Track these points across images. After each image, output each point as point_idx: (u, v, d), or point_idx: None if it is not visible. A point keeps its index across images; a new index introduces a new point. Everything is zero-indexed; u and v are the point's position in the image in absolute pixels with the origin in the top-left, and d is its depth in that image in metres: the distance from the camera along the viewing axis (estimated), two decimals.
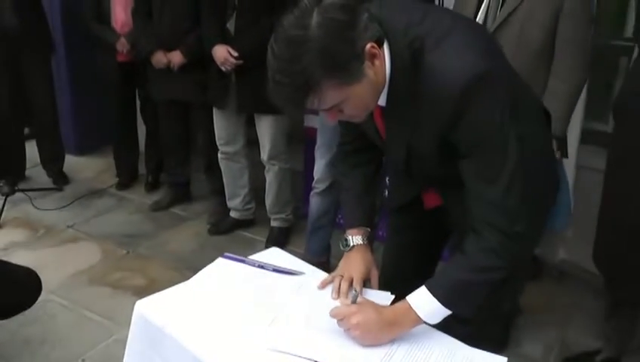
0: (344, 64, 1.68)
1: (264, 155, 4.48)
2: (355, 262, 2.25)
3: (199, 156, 5.10)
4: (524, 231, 1.88)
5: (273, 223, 4.67)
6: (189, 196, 5.40)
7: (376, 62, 1.76)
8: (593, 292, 3.84)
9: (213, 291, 2.15)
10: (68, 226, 4.96)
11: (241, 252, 2.41)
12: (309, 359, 1.83)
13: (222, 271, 2.27)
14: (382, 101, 1.89)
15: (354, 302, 2.03)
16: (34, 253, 4.51)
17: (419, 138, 1.93)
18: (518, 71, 2.98)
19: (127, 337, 2.14)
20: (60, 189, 5.55)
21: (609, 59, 4.41)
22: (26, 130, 5.99)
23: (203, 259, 2.46)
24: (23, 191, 5.27)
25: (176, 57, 4.58)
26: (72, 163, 5.93)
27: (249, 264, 2.31)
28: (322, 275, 2.26)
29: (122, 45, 4.96)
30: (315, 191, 4.13)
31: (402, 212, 2.49)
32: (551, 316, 3.91)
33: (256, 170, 4.72)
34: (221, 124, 4.53)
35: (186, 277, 2.26)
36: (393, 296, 2.15)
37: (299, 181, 4.90)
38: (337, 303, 2.09)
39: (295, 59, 1.65)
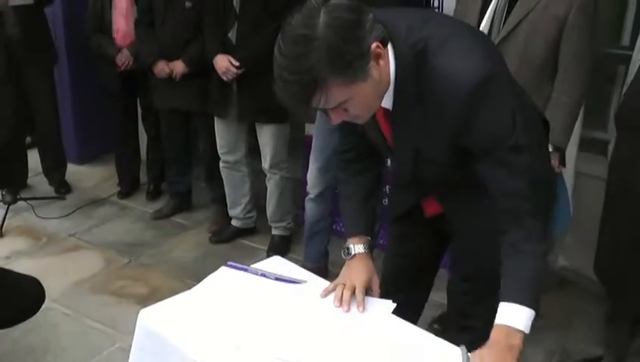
0: (350, 62, 1.71)
1: (265, 164, 4.49)
2: (356, 270, 2.26)
3: (201, 165, 5.12)
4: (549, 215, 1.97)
5: (274, 232, 4.68)
6: (191, 205, 5.41)
7: (381, 62, 1.80)
8: (594, 299, 3.86)
9: (216, 300, 2.16)
10: (70, 235, 4.97)
11: (243, 260, 2.43)
12: None
13: (225, 280, 2.28)
14: (387, 103, 1.92)
15: None
16: (36, 262, 4.52)
17: (427, 140, 1.96)
18: (522, 84, 3.02)
19: (129, 346, 2.15)
20: (62, 198, 5.56)
21: (607, 68, 4.43)
22: (28, 139, 6.03)
23: (205, 268, 2.48)
24: (25, 199, 5.28)
25: (179, 67, 4.61)
26: (74, 172, 5.94)
27: (251, 273, 2.32)
28: (324, 283, 2.27)
29: (123, 58, 4.99)
30: (309, 196, 4.17)
31: (402, 221, 2.51)
32: (551, 322, 3.90)
33: (258, 178, 4.73)
34: (222, 133, 4.55)
35: (188, 286, 2.28)
36: (395, 304, 2.16)
37: (300, 190, 4.90)
38: (340, 311, 2.11)
39: (302, 57, 1.68)
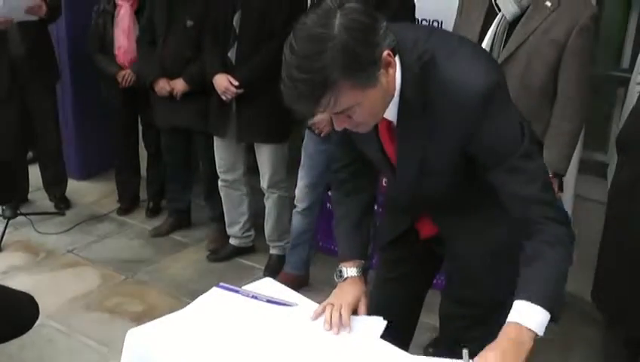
0: (363, 67, 1.71)
1: (264, 183, 4.49)
2: (345, 292, 2.25)
3: (200, 183, 5.12)
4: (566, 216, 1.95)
5: (272, 251, 4.67)
6: (190, 222, 5.40)
7: (390, 71, 1.81)
8: (593, 323, 3.83)
9: (206, 321, 2.15)
10: (68, 251, 4.96)
11: (240, 279, 2.43)
12: None
13: (216, 301, 2.27)
14: (391, 115, 1.93)
15: None
16: (33, 277, 4.51)
17: (433, 151, 1.95)
18: (522, 108, 3.02)
19: None
20: (61, 214, 5.56)
21: (607, 90, 4.43)
22: (30, 154, 6.04)
23: (201, 286, 2.47)
24: (25, 214, 5.28)
25: (179, 85, 4.61)
26: (75, 187, 5.94)
27: (243, 294, 2.31)
28: (314, 306, 2.26)
29: (123, 76, 5.00)
30: (296, 210, 4.28)
31: (393, 246, 2.48)
32: (551, 346, 3.88)
33: (256, 197, 4.73)
34: (221, 152, 4.55)
35: (184, 304, 2.27)
36: (385, 322, 2.14)
37: None
38: (330, 334, 2.09)
39: (316, 56, 1.66)
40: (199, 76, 4.48)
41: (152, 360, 2.00)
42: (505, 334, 1.83)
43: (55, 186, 5.69)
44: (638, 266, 2.85)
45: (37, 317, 3.08)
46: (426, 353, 3.38)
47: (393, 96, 1.87)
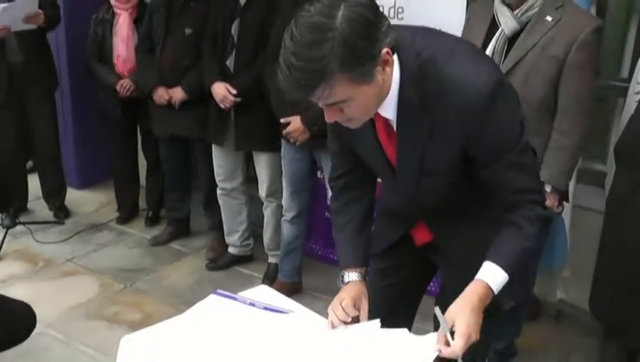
0: (361, 62, 1.72)
1: (262, 192, 4.50)
2: (347, 291, 2.23)
3: (199, 192, 5.12)
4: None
5: (271, 259, 4.67)
6: (189, 231, 5.40)
7: (387, 69, 1.81)
8: (591, 333, 3.82)
9: (202, 328, 2.14)
10: (67, 260, 4.96)
11: (238, 288, 2.41)
12: None
13: (213, 308, 2.26)
14: (389, 114, 1.93)
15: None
16: (32, 286, 4.51)
17: (433, 149, 1.95)
18: None
19: None
20: (60, 223, 5.56)
21: (606, 100, 4.43)
22: (29, 163, 6.04)
23: (200, 295, 2.46)
24: (24, 223, 5.29)
25: (178, 93, 4.61)
26: (74, 196, 5.94)
27: (240, 301, 2.30)
28: (311, 314, 2.25)
29: (122, 86, 5.00)
30: (285, 218, 4.32)
31: (384, 255, 2.48)
32: (549, 356, 3.89)
33: (255, 206, 4.73)
34: (220, 161, 4.56)
35: (182, 313, 2.26)
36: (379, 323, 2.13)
37: None
38: (327, 341, 2.08)
39: (316, 45, 1.67)
40: (198, 85, 4.49)
41: None
42: (475, 290, 1.96)
43: (54, 195, 5.68)
44: (635, 276, 2.84)
45: (34, 326, 3.08)
46: None
47: (387, 94, 1.88)
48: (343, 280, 2.30)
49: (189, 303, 2.50)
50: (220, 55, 4.28)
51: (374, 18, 1.74)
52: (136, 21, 4.99)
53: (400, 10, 3.93)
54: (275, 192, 4.44)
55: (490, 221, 2.06)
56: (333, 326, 2.13)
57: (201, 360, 1.97)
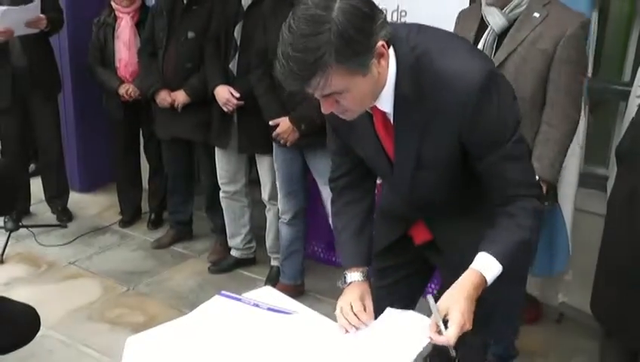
0: (356, 53, 1.75)
1: (265, 195, 4.51)
2: (351, 292, 2.25)
3: (202, 195, 5.13)
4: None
5: (273, 262, 4.68)
6: (192, 234, 5.42)
7: (383, 62, 1.84)
8: (593, 336, 3.82)
9: (207, 329, 2.15)
10: (70, 262, 4.97)
11: (241, 291, 2.41)
12: None
13: (217, 309, 2.27)
14: (387, 107, 1.96)
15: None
16: (35, 289, 4.52)
17: (429, 142, 1.98)
18: None
19: None
20: (63, 226, 5.58)
21: (608, 104, 4.45)
22: (32, 166, 6.05)
23: (203, 298, 2.47)
24: (27, 227, 5.30)
25: (181, 97, 4.62)
26: (76, 200, 5.96)
27: (245, 302, 2.31)
28: (314, 315, 2.26)
29: (126, 91, 5.02)
30: (282, 221, 4.33)
31: (383, 255, 2.50)
32: (550, 359, 3.90)
33: (257, 209, 4.74)
34: (223, 164, 4.58)
35: (185, 315, 2.27)
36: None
37: None
38: (330, 342, 2.09)
39: (311, 37, 1.70)
40: (200, 88, 4.50)
41: None
42: (469, 279, 1.97)
43: (57, 198, 5.70)
44: (636, 276, 2.84)
45: (38, 329, 3.09)
46: None
47: (383, 87, 1.91)
48: (345, 281, 2.32)
49: (192, 306, 2.52)
50: (223, 58, 4.30)
51: (370, 11, 1.78)
52: (138, 24, 5.01)
53: (403, 13, 3.95)
54: (277, 195, 4.44)
55: (489, 220, 2.07)
56: (347, 332, 2.13)
57: (205, 361, 1.98)
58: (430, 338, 1.90)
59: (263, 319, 2.22)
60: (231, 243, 4.87)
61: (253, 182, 4.74)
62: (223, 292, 2.36)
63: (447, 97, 1.86)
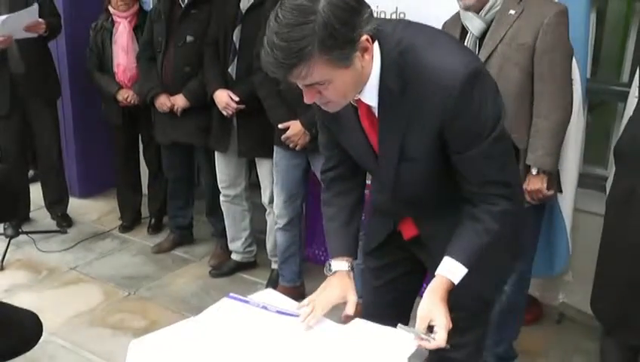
0: (340, 45, 1.79)
1: (265, 198, 4.51)
2: (332, 286, 2.31)
3: (202, 199, 5.13)
4: (517, 193, 2.17)
5: (274, 266, 4.68)
6: (192, 238, 5.42)
7: (366, 56, 1.88)
8: (594, 335, 3.83)
9: (212, 331, 2.15)
10: (71, 268, 4.97)
11: (242, 294, 2.42)
12: None
13: (225, 312, 2.27)
14: (371, 101, 1.99)
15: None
16: (36, 295, 4.53)
17: (412, 135, 2.00)
18: None
19: None
20: (63, 231, 5.58)
21: (606, 104, 4.46)
22: (31, 173, 6.05)
23: (204, 301, 2.49)
24: (27, 233, 5.30)
25: (180, 101, 4.62)
26: (76, 205, 5.96)
27: (253, 305, 2.31)
28: (321, 317, 2.26)
29: (124, 97, 5.03)
30: (278, 226, 4.33)
31: (378, 253, 2.53)
32: (551, 359, 3.90)
33: (258, 213, 4.74)
34: (223, 168, 4.58)
35: (186, 319, 2.27)
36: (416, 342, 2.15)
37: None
38: (335, 344, 2.10)
39: (297, 27, 1.74)
40: (199, 92, 4.50)
41: None
42: (440, 284, 2.09)
43: (57, 204, 5.70)
44: (635, 273, 2.86)
45: (40, 334, 3.09)
46: None
47: (367, 81, 1.94)
48: (330, 269, 2.36)
49: (193, 310, 2.53)
50: (222, 62, 4.31)
51: (356, 5, 1.81)
52: (136, 29, 5.02)
53: (402, 15, 3.96)
54: None
55: None
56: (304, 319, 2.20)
57: None
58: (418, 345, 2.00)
59: (271, 321, 2.22)
60: (231, 246, 4.88)
61: (253, 186, 4.74)
62: (232, 294, 2.37)
63: (431, 91, 1.89)
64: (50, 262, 5.06)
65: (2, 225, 5.17)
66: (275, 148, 4.14)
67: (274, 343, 2.10)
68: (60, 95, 5.52)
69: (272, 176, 4.38)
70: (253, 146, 4.34)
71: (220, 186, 4.65)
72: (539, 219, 3.43)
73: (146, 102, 4.82)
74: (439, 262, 2.13)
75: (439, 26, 3.42)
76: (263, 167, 4.43)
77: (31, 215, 5.77)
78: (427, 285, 2.39)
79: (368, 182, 2.60)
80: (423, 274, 2.59)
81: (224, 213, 4.77)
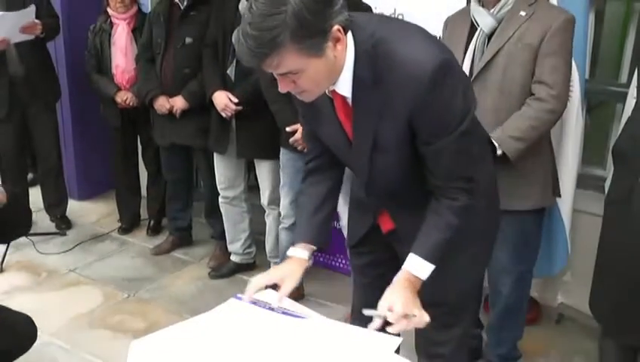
0: (311, 35, 1.84)
1: (264, 200, 4.51)
2: (275, 269, 2.40)
3: (201, 200, 5.14)
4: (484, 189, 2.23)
5: (273, 267, 4.67)
6: (191, 240, 5.42)
7: (339, 46, 1.92)
8: (593, 336, 3.83)
9: (213, 331, 2.15)
10: (70, 270, 4.97)
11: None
12: None
13: (230, 312, 2.26)
14: (346, 91, 2.03)
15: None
16: (35, 297, 4.53)
17: (384, 125, 2.04)
18: (503, 114, 3.06)
19: None
20: (62, 234, 5.58)
21: (605, 105, 4.47)
22: (30, 175, 6.05)
23: (203, 303, 2.49)
24: (26, 235, 5.28)
25: (179, 102, 4.62)
26: (75, 208, 5.96)
27: (259, 306, 2.31)
28: (325, 319, 2.26)
29: (123, 99, 5.03)
30: (283, 226, 4.33)
31: (362, 248, 2.57)
32: (550, 360, 3.91)
33: (257, 214, 4.75)
34: (222, 169, 4.58)
35: (186, 320, 2.27)
36: (401, 339, 2.16)
37: None
38: (340, 345, 2.10)
39: (269, 16, 1.79)
40: (199, 93, 4.50)
41: None
42: (403, 277, 2.16)
43: (56, 206, 5.70)
44: (634, 273, 2.86)
45: (35, 338, 3.09)
46: None
47: (340, 71, 1.99)
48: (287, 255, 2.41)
49: (192, 311, 2.52)
50: (221, 64, 4.30)
51: None
52: (134, 31, 5.02)
53: (400, 16, 3.97)
54: (276, 200, 4.44)
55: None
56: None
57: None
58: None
59: (276, 322, 2.21)
60: (231, 248, 4.88)
61: (252, 188, 4.75)
62: (238, 295, 2.36)
63: (401, 82, 1.93)
64: (50, 264, 5.06)
65: None
66: (282, 150, 4.14)
67: (276, 344, 2.09)
68: (60, 97, 5.52)
69: (271, 177, 4.39)
70: (251, 148, 4.35)
71: (218, 188, 4.65)
72: (540, 221, 3.42)
73: (145, 104, 4.82)
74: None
75: (439, 26, 3.43)
76: (262, 169, 4.43)
77: None
78: None
79: None
80: None
81: (223, 215, 4.77)
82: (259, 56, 1.84)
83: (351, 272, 2.91)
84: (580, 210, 3.94)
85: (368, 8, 3.82)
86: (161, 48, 4.64)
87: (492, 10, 3.13)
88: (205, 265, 5.03)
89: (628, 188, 2.87)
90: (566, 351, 3.98)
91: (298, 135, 3.89)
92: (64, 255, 5.22)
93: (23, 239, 5.19)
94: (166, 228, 5.53)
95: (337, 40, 1.90)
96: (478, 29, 3.17)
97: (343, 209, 3.18)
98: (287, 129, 3.94)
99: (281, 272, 2.33)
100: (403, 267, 2.17)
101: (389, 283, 2.32)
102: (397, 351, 2.12)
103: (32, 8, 4.89)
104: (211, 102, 4.31)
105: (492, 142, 2.75)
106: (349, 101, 2.07)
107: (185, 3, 4.56)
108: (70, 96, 5.86)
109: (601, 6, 4.11)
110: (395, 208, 2.36)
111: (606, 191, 3.22)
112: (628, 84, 3.62)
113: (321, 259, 4.85)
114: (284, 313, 2.26)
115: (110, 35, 5.05)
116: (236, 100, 4.20)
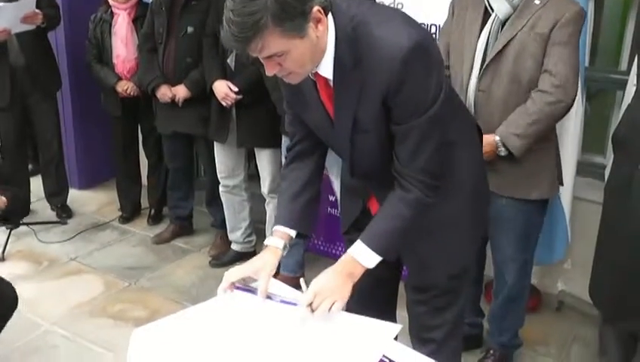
0: (291, 17, 1.87)
1: (264, 189, 4.52)
2: (252, 261, 2.36)
3: (201, 189, 5.14)
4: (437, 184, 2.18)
5: None
6: (191, 229, 5.43)
7: (320, 27, 1.96)
8: (592, 323, 3.85)
9: (214, 320, 2.16)
10: (71, 259, 4.99)
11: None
12: None
13: (229, 301, 2.26)
14: (328, 73, 2.06)
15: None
16: (36, 286, 4.54)
17: (363, 105, 2.07)
18: (511, 104, 3.05)
19: None
20: (63, 223, 5.59)
21: (605, 93, 4.47)
22: (30, 167, 6.05)
23: (204, 291, 2.49)
24: (27, 224, 5.31)
25: (181, 91, 4.63)
26: (76, 196, 5.98)
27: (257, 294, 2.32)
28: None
29: (124, 89, 5.04)
30: None
31: (354, 237, 2.50)
32: (550, 347, 3.92)
33: (257, 203, 4.76)
34: (222, 158, 4.59)
35: (187, 308, 2.29)
36: (400, 326, 2.17)
37: None
38: (339, 332, 2.11)
39: (250, 2, 1.83)
40: (200, 82, 4.51)
41: (161, 358, 2.01)
42: (344, 260, 2.21)
43: (57, 196, 5.71)
44: (633, 261, 2.87)
45: (16, 305, 3.08)
46: None
47: (324, 53, 2.02)
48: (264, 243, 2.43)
49: (193, 300, 2.53)
50: (221, 53, 4.30)
51: None
52: (135, 21, 5.02)
53: (400, 6, 3.96)
54: (276, 188, 4.43)
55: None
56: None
57: (212, 352, 1.99)
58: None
59: (275, 311, 2.22)
60: (231, 237, 4.89)
61: (252, 176, 4.75)
62: (238, 284, 2.37)
63: (378, 62, 1.97)
64: (51, 252, 5.07)
65: None
66: (283, 138, 4.14)
67: (275, 332, 2.10)
68: (60, 87, 5.53)
69: (272, 165, 4.39)
70: (251, 136, 4.35)
71: (219, 176, 4.66)
72: (544, 211, 3.42)
73: (147, 93, 4.82)
74: (410, 242, 2.23)
75: (440, 16, 3.43)
76: (262, 157, 4.44)
77: (31, 206, 5.76)
78: (406, 269, 2.45)
79: None
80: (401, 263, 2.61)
81: (223, 204, 4.78)
82: (243, 40, 1.88)
83: None
84: (580, 197, 3.94)
85: None
86: (162, 38, 4.64)
87: None
88: (206, 254, 5.04)
89: (628, 176, 2.87)
90: (566, 338, 3.99)
91: None
92: (65, 244, 5.23)
93: (23, 228, 5.22)
94: (167, 216, 5.54)
95: (318, 20, 1.94)
96: (493, 14, 3.15)
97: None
98: None
99: (254, 265, 2.32)
100: (348, 251, 2.21)
101: (382, 270, 2.34)
102: (395, 338, 2.13)
103: None
104: (212, 92, 4.32)
105: (479, 127, 2.71)
106: (331, 83, 2.10)
107: None
108: (71, 86, 5.86)
109: None
110: (381, 189, 2.33)
111: (606, 179, 3.22)
112: (628, 72, 3.62)
113: (322, 247, 4.86)
114: (282, 301, 2.26)
115: (111, 25, 5.05)
116: (236, 89, 4.20)
